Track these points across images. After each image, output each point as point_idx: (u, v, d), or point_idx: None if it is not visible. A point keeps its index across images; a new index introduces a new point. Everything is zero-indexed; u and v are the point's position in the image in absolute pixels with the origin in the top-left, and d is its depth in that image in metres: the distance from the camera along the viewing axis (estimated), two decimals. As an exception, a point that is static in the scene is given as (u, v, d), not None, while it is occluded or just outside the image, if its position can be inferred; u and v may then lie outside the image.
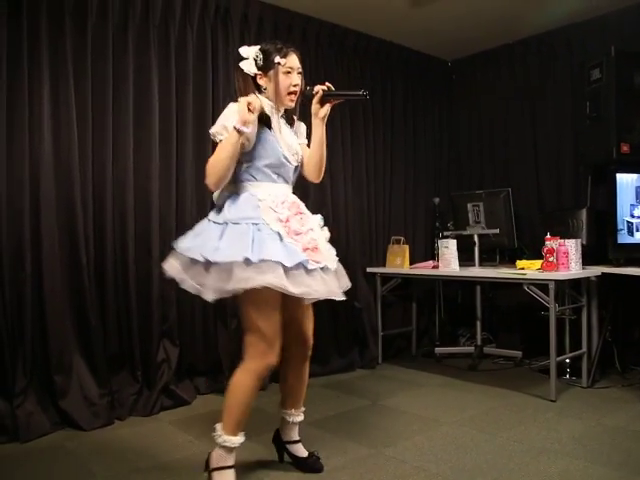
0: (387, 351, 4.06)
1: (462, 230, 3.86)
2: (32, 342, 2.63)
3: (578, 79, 3.78)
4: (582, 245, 3.21)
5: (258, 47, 2.01)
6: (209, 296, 1.86)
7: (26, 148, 2.65)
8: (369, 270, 4.00)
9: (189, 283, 1.92)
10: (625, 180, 3.29)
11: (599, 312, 3.37)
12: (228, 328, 3.26)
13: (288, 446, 2.20)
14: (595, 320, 3.36)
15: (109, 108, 2.89)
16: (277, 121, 2.03)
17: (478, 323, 4.06)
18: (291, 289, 1.83)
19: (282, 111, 2.07)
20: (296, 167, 2.09)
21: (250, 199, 1.95)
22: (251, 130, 1.89)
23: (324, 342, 3.49)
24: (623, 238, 3.28)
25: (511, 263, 3.65)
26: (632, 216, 3.30)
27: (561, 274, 3.03)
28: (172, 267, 1.96)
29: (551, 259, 3.09)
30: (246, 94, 1.95)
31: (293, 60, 1.99)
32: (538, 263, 3.22)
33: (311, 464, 2.17)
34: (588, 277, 3.24)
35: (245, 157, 1.97)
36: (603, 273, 3.21)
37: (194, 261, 1.91)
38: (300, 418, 2.18)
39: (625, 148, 3.26)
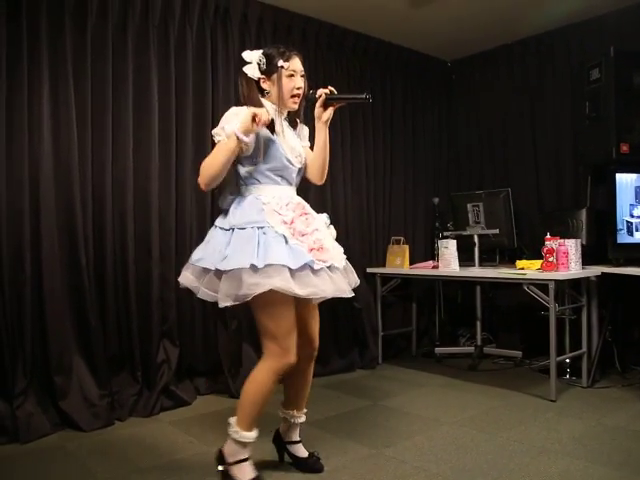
0: (387, 351, 4.06)
1: (462, 230, 3.86)
2: (32, 343, 2.63)
3: (577, 79, 3.78)
4: (582, 245, 3.21)
5: (261, 51, 2.03)
6: (224, 303, 1.90)
7: (26, 148, 2.65)
8: (369, 270, 4.00)
9: (204, 292, 1.98)
10: (625, 180, 3.29)
11: (599, 312, 3.37)
12: (228, 329, 3.26)
13: (288, 446, 2.21)
14: (595, 320, 3.36)
15: (109, 108, 2.89)
16: (280, 124, 2.05)
17: (478, 323, 4.06)
18: (298, 291, 1.84)
19: (285, 114, 2.09)
20: (299, 169, 2.10)
21: (254, 202, 1.97)
22: (251, 140, 1.91)
23: (324, 342, 3.44)
24: (623, 238, 3.28)
25: (511, 263, 3.65)
26: (632, 216, 3.30)
27: (561, 274, 3.03)
28: (186, 278, 2.04)
29: (551, 259, 3.09)
30: (250, 98, 1.99)
31: (296, 63, 2.01)
32: (538, 263, 3.22)
33: (311, 464, 2.17)
34: (588, 277, 3.24)
35: (248, 160, 1.98)
36: (603, 273, 3.21)
37: (207, 270, 1.96)
38: (302, 419, 2.18)
39: (625, 148, 3.26)
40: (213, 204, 3.24)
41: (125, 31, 2.95)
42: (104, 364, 2.82)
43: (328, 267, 1.95)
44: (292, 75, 2.00)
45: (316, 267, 1.90)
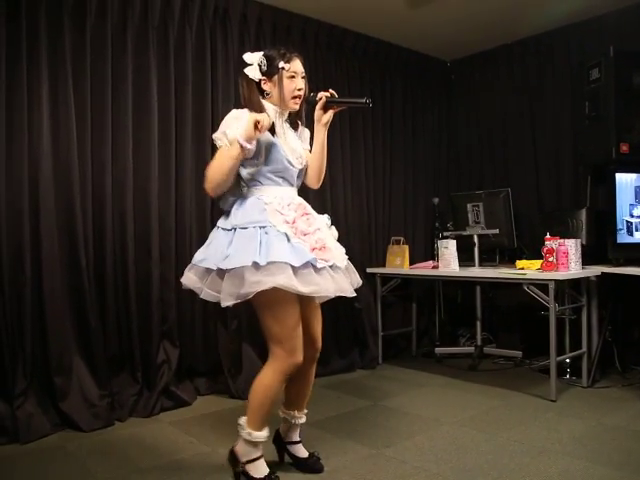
0: (387, 351, 4.06)
1: (462, 230, 3.86)
2: (32, 344, 2.63)
3: (577, 79, 3.78)
4: (582, 245, 3.21)
5: (262, 53, 2.04)
6: (227, 302, 1.90)
7: (25, 148, 2.65)
8: (369, 270, 4.00)
9: (207, 292, 1.99)
10: (624, 180, 3.29)
11: (599, 312, 3.37)
12: (228, 329, 3.26)
13: (289, 447, 2.21)
14: (595, 320, 3.36)
15: (108, 108, 2.89)
16: (281, 125, 2.06)
17: (478, 323, 4.06)
18: (300, 289, 1.86)
19: (286, 115, 2.10)
20: (300, 171, 2.11)
21: (256, 203, 1.98)
22: (253, 146, 1.92)
23: (324, 343, 3.45)
24: (622, 238, 3.28)
25: (511, 263, 3.65)
26: (631, 216, 3.30)
27: (561, 274, 3.03)
28: (189, 279, 2.05)
29: (551, 259, 3.09)
30: (250, 99, 2.01)
31: (297, 65, 2.02)
32: (538, 263, 3.23)
33: (311, 465, 2.17)
34: (588, 277, 3.24)
35: (249, 162, 1.99)
36: (603, 273, 3.21)
37: (209, 270, 1.98)
38: (302, 420, 2.19)
39: (624, 148, 3.26)
40: (213, 204, 3.23)
41: (124, 31, 2.95)
42: (104, 364, 2.82)
43: (330, 267, 1.96)
44: (293, 76, 2.02)
45: (319, 266, 1.92)
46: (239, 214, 1.98)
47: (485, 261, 3.84)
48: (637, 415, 2.74)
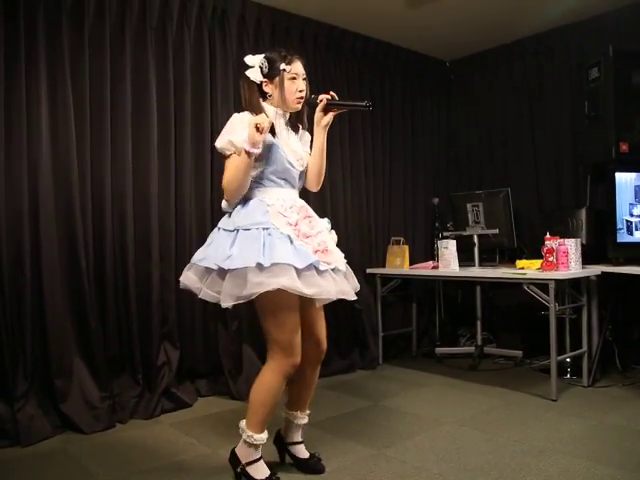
0: (387, 352, 4.06)
1: (462, 230, 3.86)
2: (32, 346, 2.63)
3: (576, 79, 3.78)
4: (582, 244, 3.21)
5: (263, 55, 2.05)
6: (226, 303, 1.90)
7: (24, 148, 2.65)
8: (369, 271, 4.00)
9: (206, 292, 1.98)
10: (624, 179, 3.29)
11: (599, 311, 3.37)
12: (228, 330, 3.26)
13: (290, 447, 2.21)
14: (595, 319, 3.36)
15: (107, 108, 2.89)
16: (282, 127, 2.07)
17: (478, 323, 4.06)
18: (304, 290, 1.86)
19: (287, 117, 2.10)
20: (301, 172, 2.12)
21: (259, 204, 1.99)
22: (260, 150, 1.93)
23: (324, 343, 3.49)
24: (622, 237, 3.28)
25: (511, 263, 3.65)
26: (631, 215, 3.30)
27: (561, 273, 3.03)
28: (188, 278, 2.05)
29: (551, 259, 3.09)
30: (251, 102, 2.02)
31: (298, 66, 2.04)
32: (538, 263, 3.23)
33: (312, 465, 2.17)
34: (588, 276, 3.24)
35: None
36: (603, 272, 3.21)
37: (209, 270, 1.97)
38: (305, 420, 2.19)
39: (624, 147, 3.26)
40: (212, 205, 3.24)
41: (123, 32, 2.95)
42: (105, 366, 2.82)
43: (332, 269, 1.98)
44: (294, 78, 2.03)
45: (322, 268, 1.93)
46: (241, 215, 1.98)
47: (485, 261, 3.84)
48: (638, 414, 2.73)
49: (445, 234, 3.87)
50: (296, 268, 1.87)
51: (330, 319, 3.60)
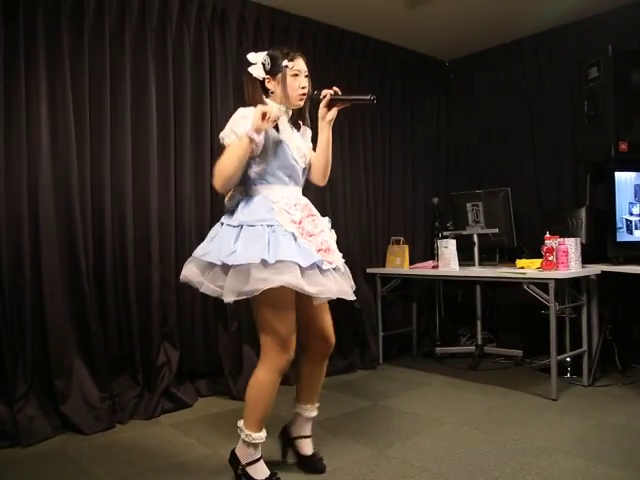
0: (388, 351, 4.06)
1: (461, 230, 3.86)
2: (32, 346, 2.63)
3: (576, 78, 3.78)
4: (581, 244, 3.21)
5: (265, 53, 2.07)
6: (228, 298, 1.91)
7: (24, 148, 2.64)
8: (369, 271, 4.00)
9: (208, 286, 1.98)
10: (624, 178, 3.29)
11: (599, 310, 3.37)
12: (228, 330, 3.26)
13: (296, 442, 2.22)
14: (595, 318, 3.36)
15: (106, 108, 2.89)
16: (285, 124, 2.08)
17: (478, 322, 4.06)
18: (307, 288, 1.88)
19: (290, 114, 2.11)
20: (304, 169, 2.13)
21: (264, 201, 1.99)
22: (261, 139, 1.94)
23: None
24: (622, 236, 3.28)
25: (511, 262, 3.65)
26: (631, 214, 3.30)
27: (561, 273, 3.03)
28: (191, 271, 2.04)
29: (551, 258, 3.09)
30: (254, 98, 2.03)
31: (300, 63, 2.06)
32: (538, 262, 3.23)
33: (314, 463, 2.18)
34: (588, 276, 3.24)
35: (256, 160, 2.01)
36: (603, 271, 3.22)
37: (212, 265, 1.97)
38: (315, 413, 2.21)
39: (623, 146, 3.26)
40: (212, 205, 3.24)
41: (122, 32, 2.95)
42: (105, 367, 2.82)
43: (333, 269, 2.00)
44: (296, 75, 2.04)
45: (324, 267, 1.94)
46: (246, 212, 1.99)
47: (485, 260, 3.84)
48: (638, 413, 2.74)
49: (445, 233, 3.88)
50: (300, 266, 1.88)
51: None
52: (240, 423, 2.01)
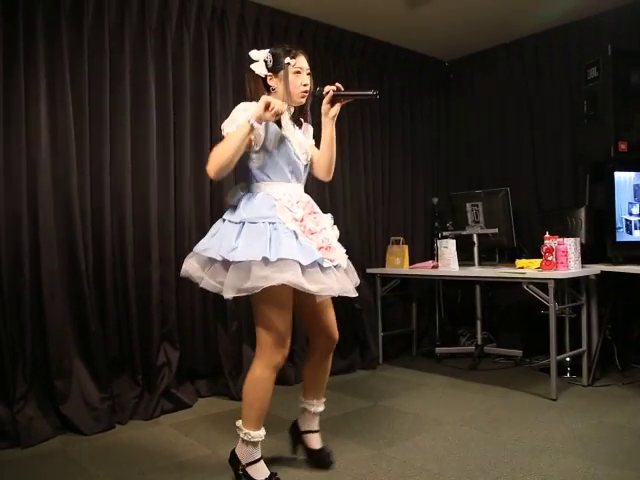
0: (388, 352, 4.06)
1: (461, 230, 3.86)
2: (32, 347, 2.63)
3: (575, 78, 3.78)
4: (581, 244, 3.21)
5: (268, 50, 2.07)
6: (228, 294, 1.91)
7: (23, 148, 2.64)
8: (369, 271, 4.00)
9: (208, 282, 1.98)
10: (623, 178, 3.29)
11: (599, 310, 3.37)
12: (228, 330, 3.26)
13: (305, 436, 2.24)
14: (595, 318, 3.37)
15: (106, 108, 2.89)
16: (287, 120, 2.09)
17: (478, 322, 4.06)
18: (308, 286, 1.88)
19: (291, 112, 2.11)
20: (305, 166, 2.14)
21: (266, 198, 2.00)
22: (261, 131, 1.94)
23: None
24: (622, 236, 3.28)
25: (510, 262, 3.65)
26: (630, 214, 3.30)
27: (560, 273, 3.04)
28: (191, 266, 2.03)
29: (550, 258, 3.09)
30: (256, 95, 2.02)
31: (302, 61, 2.06)
32: (537, 262, 3.23)
33: (322, 458, 2.21)
34: (587, 275, 3.24)
35: (258, 156, 2.01)
36: (602, 271, 3.22)
37: (212, 260, 1.98)
38: (321, 408, 2.23)
39: (623, 146, 3.26)
40: (212, 205, 3.24)
41: (122, 32, 2.95)
42: (104, 367, 2.82)
43: (335, 267, 2.00)
44: (298, 72, 2.05)
45: (325, 265, 1.95)
46: (248, 208, 1.99)
47: (485, 260, 3.84)
48: (638, 413, 2.74)
49: (445, 233, 3.88)
50: (301, 264, 1.88)
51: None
52: (239, 423, 2.02)
